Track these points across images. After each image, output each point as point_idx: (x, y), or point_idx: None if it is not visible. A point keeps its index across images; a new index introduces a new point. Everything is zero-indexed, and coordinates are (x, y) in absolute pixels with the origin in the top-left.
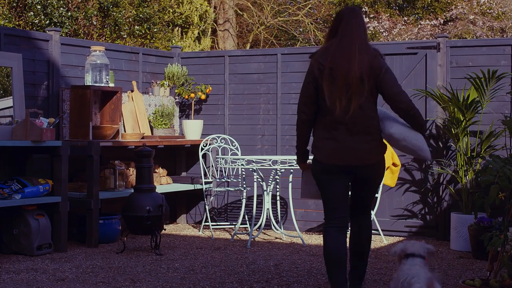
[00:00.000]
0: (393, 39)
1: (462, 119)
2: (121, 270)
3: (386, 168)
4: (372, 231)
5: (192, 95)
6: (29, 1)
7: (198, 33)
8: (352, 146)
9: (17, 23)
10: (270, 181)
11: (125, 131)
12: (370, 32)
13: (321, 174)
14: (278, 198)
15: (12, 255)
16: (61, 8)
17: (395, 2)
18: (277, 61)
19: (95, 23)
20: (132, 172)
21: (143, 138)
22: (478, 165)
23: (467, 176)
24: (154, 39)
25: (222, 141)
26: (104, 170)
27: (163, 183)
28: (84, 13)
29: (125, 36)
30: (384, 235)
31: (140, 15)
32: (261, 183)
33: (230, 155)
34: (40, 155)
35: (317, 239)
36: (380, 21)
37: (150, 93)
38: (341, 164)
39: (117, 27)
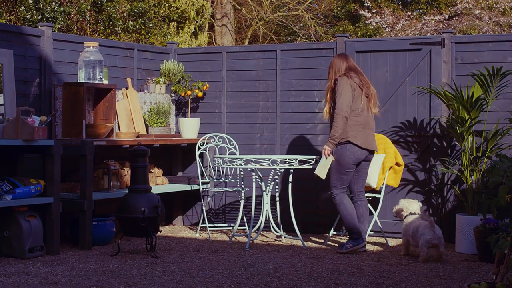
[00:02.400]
0: (396, 35)
1: (467, 118)
2: (115, 273)
3: (389, 168)
4: (374, 233)
5: (189, 92)
6: None
7: (195, 29)
8: (372, 138)
9: (8, 18)
10: (269, 181)
11: (119, 130)
12: (372, 27)
13: (352, 160)
14: (277, 199)
15: (2, 257)
16: (54, 3)
17: None
18: (277, 57)
19: (88, 18)
20: (126, 172)
21: (138, 137)
22: (484, 165)
23: (473, 176)
24: (149, 34)
25: (219, 140)
26: (97, 170)
27: (159, 184)
28: (77, 8)
29: (120, 31)
30: (386, 237)
31: (135, 10)
32: (260, 183)
33: (228, 154)
34: (31, 155)
35: (317, 241)
36: (383, 16)
37: (145, 91)
38: (369, 149)
39: (111, 23)
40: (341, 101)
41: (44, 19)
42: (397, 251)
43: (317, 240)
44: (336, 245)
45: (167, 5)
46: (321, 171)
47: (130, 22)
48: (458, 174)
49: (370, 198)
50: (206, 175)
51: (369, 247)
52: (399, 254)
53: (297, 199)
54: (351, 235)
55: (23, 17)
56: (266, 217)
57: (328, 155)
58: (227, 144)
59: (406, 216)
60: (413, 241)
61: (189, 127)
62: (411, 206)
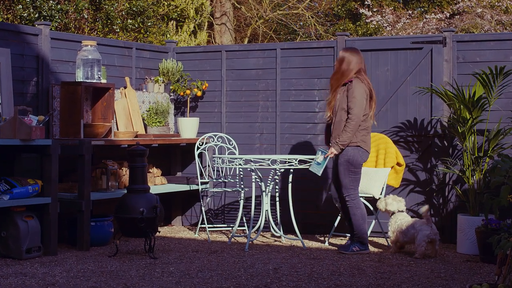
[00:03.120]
0: (397, 34)
1: (468, 117)
2: (113, 274)
3: (390, 167)
4: (375, 234)
5: (188, 91)
6: None
7: (194, 27)
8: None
9: (5, 16)
10: (269, 182)
11: (117, 129)
12: (373, 26)
13: (363, 160)
14: (277, 199)
15: (0, 258)
16: (51, 1)
17: None
18: (276, 56)
19: (86, 16)
20: (125, 172)
21: (136, 136)
22: (486, 164)
23: (474, 176)
24: (148, 33)
25: (219, 139)
26: (95, 170)
27: (158, 184)
28: (74, 6)
29: (118, 30)
30: (387, 237)
31: (134, 8)
32: (259, 183)
33: (228, 154)
34: (29, 154)
35: (317, 242)
36: (384, 14)
37: (144, 90)
38: (369, 152)
39: (109, 21)
40: (359, 107)
41: (42, 17)
42: (398, 252)
43: (318, 240)
44: (337, 246)
45: (166, 3)
46: (319, 169)
47: (129, 21)
48: (460, 174)
49: (371, 198)
50: (205, 175)
51: (369, 248)
52: (400, 254)
53: (297, 199)
54: (360, 239)
55: (20, 15)
56: (265, 217)
57: (330, 157)
58: (226, 143)
59: (394, 213)
60: (405, 238)
61: (188, 127)
62: (400, 204)
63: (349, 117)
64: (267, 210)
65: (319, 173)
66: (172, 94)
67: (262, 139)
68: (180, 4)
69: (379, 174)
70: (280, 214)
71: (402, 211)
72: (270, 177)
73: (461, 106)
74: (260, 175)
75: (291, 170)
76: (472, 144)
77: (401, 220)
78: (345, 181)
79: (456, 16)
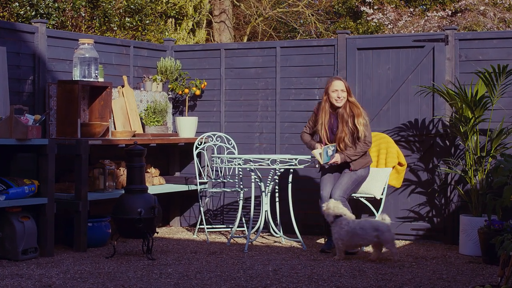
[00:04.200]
0: (398, 32)
1: (470, 116)
2: (111, 275)
3: (392, 167)
4: None
5: (186, 90)
6: None
7: (193, 25)
8: None
9: (1, 14)
10: (268, 182)
11: (115, 129)
12: (374, 24)
13: None
14: (277, 199)
15: None
16: None
17: None
18: (276, 54)
19: (83, 14)
20: (122, 172)
21: (134, 136)
22: (489, 164)
23: (477, 176)
24: (146, 31)
25: (218, 139)
26: (93, 170)
27: (156, 184)
28: (72, 4)
29: (115, 28)
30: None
31: (131, 6)
32: (259, 183)
33: (227, 154)
34: (25, 154)
35: (318, 243)
36: (385, 12)
37: (141, 89)
38: None
39: (106, 19)
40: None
41: (38, 15)
42: (399, 253)
43: (318, 241)
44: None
45: (164, 1)
46: (325, 160)
47: (127, 19)
48: (462, 174)
49: (372, 199)
50: (204, 175)
51: (370, 248)
52: (401, 256)
53: (297, 200)
54: None
55: (16, 13)
56: (265, 218)
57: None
58: (225, 143)
59: (341, 216)
60: (363, 241)
61: (187, 126)
62: (345, 209)
63: (365, 143)
64: (266, 211)
65: (323, 162)
66: (170, 93)
67: (261, 139)
68: (179, 2)
69: (380, 174)
70: (279, 215)
71: (345, 215)
72: (270, 177)
73: (463, 105)
74: (260, 175)
75: (291, 170)
76: (475, 144)
77: (353, 222)
78: (348, 189)
79: (458, 14)
